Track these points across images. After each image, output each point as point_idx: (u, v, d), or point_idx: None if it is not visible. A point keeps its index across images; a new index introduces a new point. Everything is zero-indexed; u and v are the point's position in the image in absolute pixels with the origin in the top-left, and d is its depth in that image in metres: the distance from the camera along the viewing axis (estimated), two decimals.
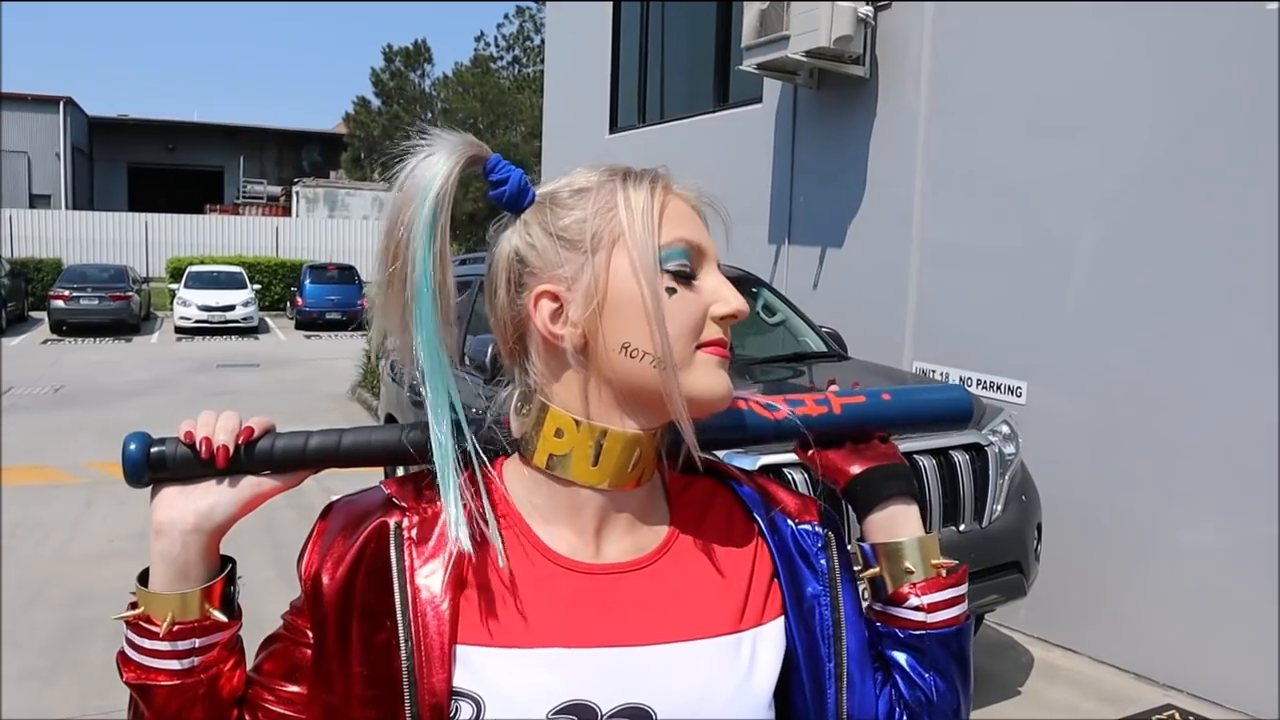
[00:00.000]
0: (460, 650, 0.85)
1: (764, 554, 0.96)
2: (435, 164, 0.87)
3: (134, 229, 32.06)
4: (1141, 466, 4.62)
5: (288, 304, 26.97)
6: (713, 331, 0.88)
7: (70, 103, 38.59)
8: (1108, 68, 4.80)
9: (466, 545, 0.84)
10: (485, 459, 0.89)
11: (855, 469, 1.01)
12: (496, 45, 44.54)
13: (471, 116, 40.73)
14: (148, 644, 0.91)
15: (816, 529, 0.98)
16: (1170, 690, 4.47)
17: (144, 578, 0.93)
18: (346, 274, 25.13)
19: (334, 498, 0.98)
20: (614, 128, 9.60)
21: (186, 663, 0.91)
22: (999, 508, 3.97)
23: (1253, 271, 4.22)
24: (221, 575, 0.94)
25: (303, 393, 14.76)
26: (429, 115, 42.28)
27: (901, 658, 0.99)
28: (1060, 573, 4.80)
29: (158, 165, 44.82)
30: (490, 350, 4.56)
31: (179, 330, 22.24)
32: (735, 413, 0.97)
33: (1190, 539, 4.43)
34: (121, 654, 0.92)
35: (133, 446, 0.93)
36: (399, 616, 0.85)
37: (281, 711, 0.93)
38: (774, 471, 3.22)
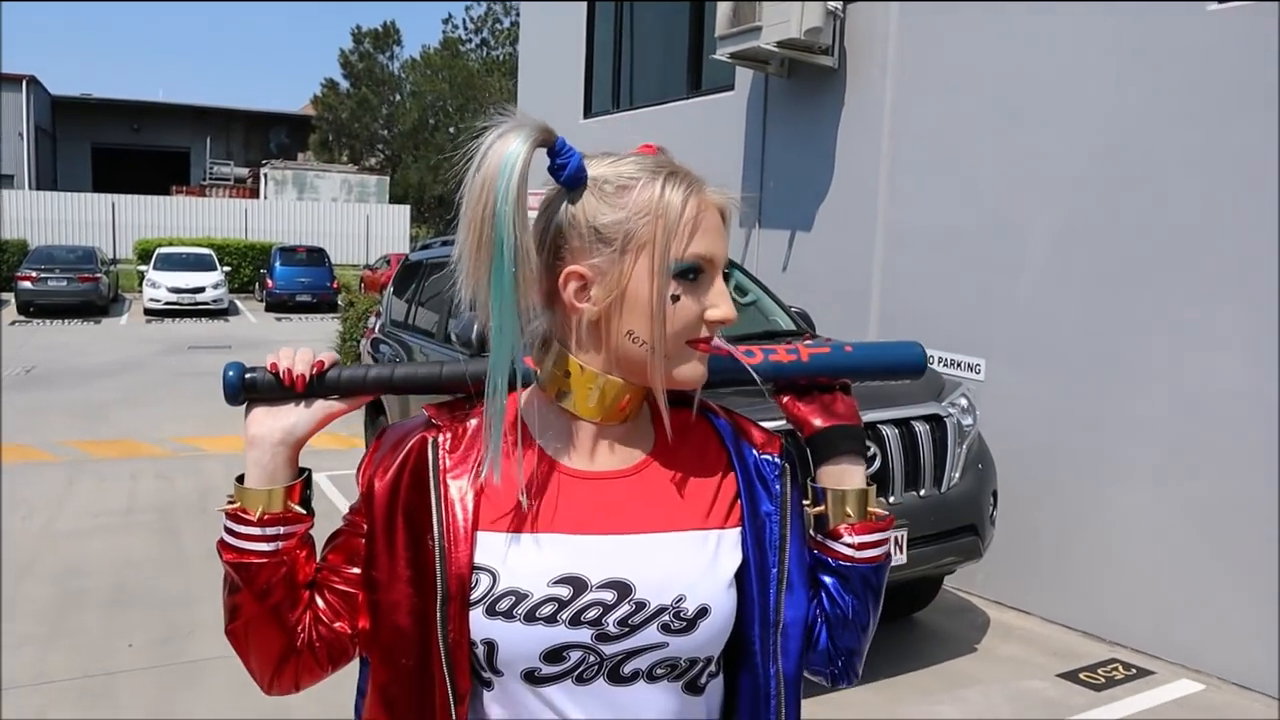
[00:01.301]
0: (480, 535, 1.06)
1: (730, 476, 1.16)
2: (513, 141, 1.00)
3: (100, 210, 31.73)
4: (1090, 438, 4.91)
5: (257, 286, 26.89)
6: (704, 331, 1.07)
7: (33, 81, 38.03)
8: (1063, 62, 5.07)
9: (496, 479, 1.07)
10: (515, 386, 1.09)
11: (819, 423, 1.20)
12: (465, 28, 44.39)
13: (440, 99, 40.61)
14: (244, 530, 1.12)
15: (775, 459, 1.18)
16: (1115, 645, 4.78)
17: (241, 479, 1.15)
18: (317, 256, 25.06)
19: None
20: (588, 112, 9.76)
21: (273, 546, 1.12)
22: (957, 475, 4.24)
23: (1197, 256, 4.50)
24: (300, 479, 1.16)
25: None
26: (397, 98, 42.09)
27: (829, 580, 1.20)
28: (1014, 539, 5.09)
29: (122, 146, 44.30)
30: (476, 329, 4.77)
31: (148, 312, 22.12)
32: (716, 359, 1.15)
33: (1132, 505, 4.73)
34: (221, 541, 1.13)
35: (230, 373, 1.15)
36: (433, 509, 1.07)
37: (343, 589, 1.14)
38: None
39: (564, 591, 1.05)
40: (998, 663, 4.59)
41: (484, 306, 1.01)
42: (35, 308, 20.91)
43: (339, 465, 8.81)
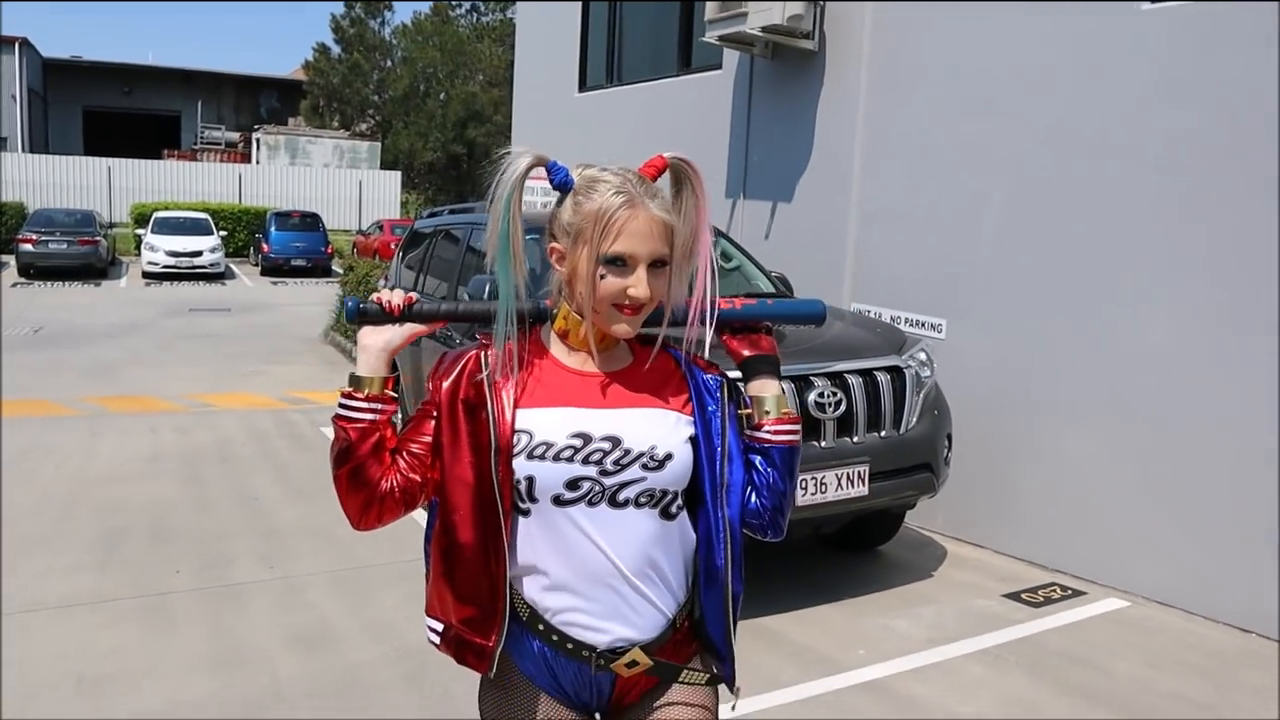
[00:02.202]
0: (519, 411, 1.63)
1: (685, 387, 1.73)
2: (516, 161, 1.58)
3: (96, 173, 31.91)
4: (1038, 390, 5.49)
5: (252, 250, 27.19)
6: (626, 301, 1.58)
7: (25, 43, 37.94)
8: (1017, 54, 5.59)
9: (499, 374, 1.64)
10: (538, 320, 1.70)
11: (746, 353, 1.76)
12: None
13: (431, 65, 40.67)
14: (354, 403, 1.65)
15: (716, 378, 1.75)
16: (1056, 572, 5.38)
17: (351, 378, 1.70)
18: (311, 221, 25.36)
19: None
20: (583, 86, 10.21)
21: (372, 416, 1.66)
22: (914, 419, 4.81)
23: (1131, 230, 5.06)
24: (391, 376, 1.70)
25: (276, 336, 15.23)
26: (388, 63, 42.16)
27: (757, 459, 1.74)
28: (971, 481, 5.67)
29: (113, 109, 44.18)
30: (487, 288, 5.29)
31: (146, 275, 22.45)
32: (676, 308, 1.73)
33: (1074, 449, 5.32)
34: (336, 415, 1.67)
35: (349, 303, 1.70)
36: (486, 395, 1.64)
37: (417, 451, 1.69)
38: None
39: (577, 441, 1.62)
40: (951, 586, 5.19)
41: (490, 264, 1.61)
42: (36, 270, 21.25)
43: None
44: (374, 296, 1.70)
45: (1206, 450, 4.76)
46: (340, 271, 25.94)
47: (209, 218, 24.75)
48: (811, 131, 6.94)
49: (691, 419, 1.71)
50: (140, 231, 24.12)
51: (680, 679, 1.74)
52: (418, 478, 1.68)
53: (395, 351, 1.70)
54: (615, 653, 1.67)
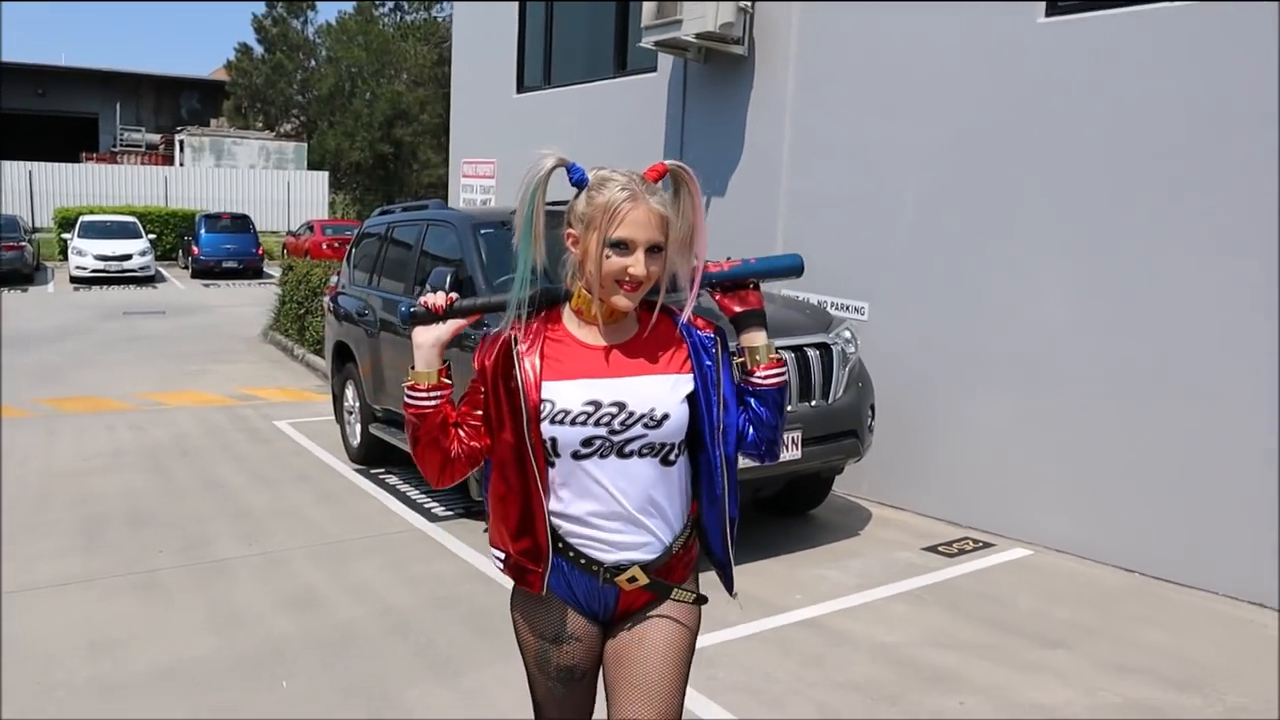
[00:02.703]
0: (544, 383, 1.96)
1: (684, 347, 2.05)
2: (541, 164, 1.90)
3: (17, 178, 31.21)
4: (949, 365, 6.09)
5: (180, 253, 26.96)
6: (625, 278, 1.90)
7: None
8: (928, 58, 6.18)
9: (506, 330, 2.00)
10: (548, 298, 2.05)
11: (736, 309, 2.09)
12: None
13: (356, 65, 40.42)
14: (417, 394, 2.02)
15: (711, 335, 2.06)
16: (969, 528, 5.99)
17: (412, 367, 2.04)
18: (241, 223, 25.25)
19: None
20: (520, 88, 10.61)
21: (434, 402, 2.02)
22: (840, 390, 5.37)
23: (1031, 218, 5.67)
24: (443, 366, 2.04)
25: (215, 336, 15.32)
26: (312, 63, 41.86)
27: (751, 401, 2.08)
28: (891, 451, 6.26)
29: (27, 111, 43.08)
30: (448, 281, 5.70)
31: (75, 280, 22.18)
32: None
33: (983, 418, 5.93)
34: (405, 403, 2.03)
35: (402, 309, 2.08)
36: (515, 373, 1.97)
37: (474, 424, 2.05)
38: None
39: (590, 408, 1.97)
40: (876, 543, 5.76)
41: (516, 249, 1.97)
42: None
43: (297, 414, 9.68)
44: (420, 300, 2.05)
45: (1097, 415, 5.40)
46: (273, 274, 25.91)
47: (137, 221, 24.52)
48: (743, 130, 7.47)
49: (690, 375, 2.05)
50: (66, 236, 23.79)
51: (672, 596, 2.08)
52: (477, 444, 2.08)
53: (444, 345, 2.06)
54: (619, 569, 2.03)
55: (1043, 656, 4.24)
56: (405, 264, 6.90)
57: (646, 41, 7.61)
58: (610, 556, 2.03)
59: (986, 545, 5.71)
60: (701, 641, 4.13)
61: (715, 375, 2.06)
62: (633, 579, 2.04)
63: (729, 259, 2.14)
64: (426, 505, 6.43)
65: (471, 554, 5.46)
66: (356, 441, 7.59)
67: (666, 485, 2.05)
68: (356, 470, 7.36)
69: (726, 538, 2.12)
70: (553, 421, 1.98)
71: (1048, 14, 5.55)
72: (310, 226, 27.05)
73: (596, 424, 1.98)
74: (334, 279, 8.90)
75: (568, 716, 2.19)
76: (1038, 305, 5.66)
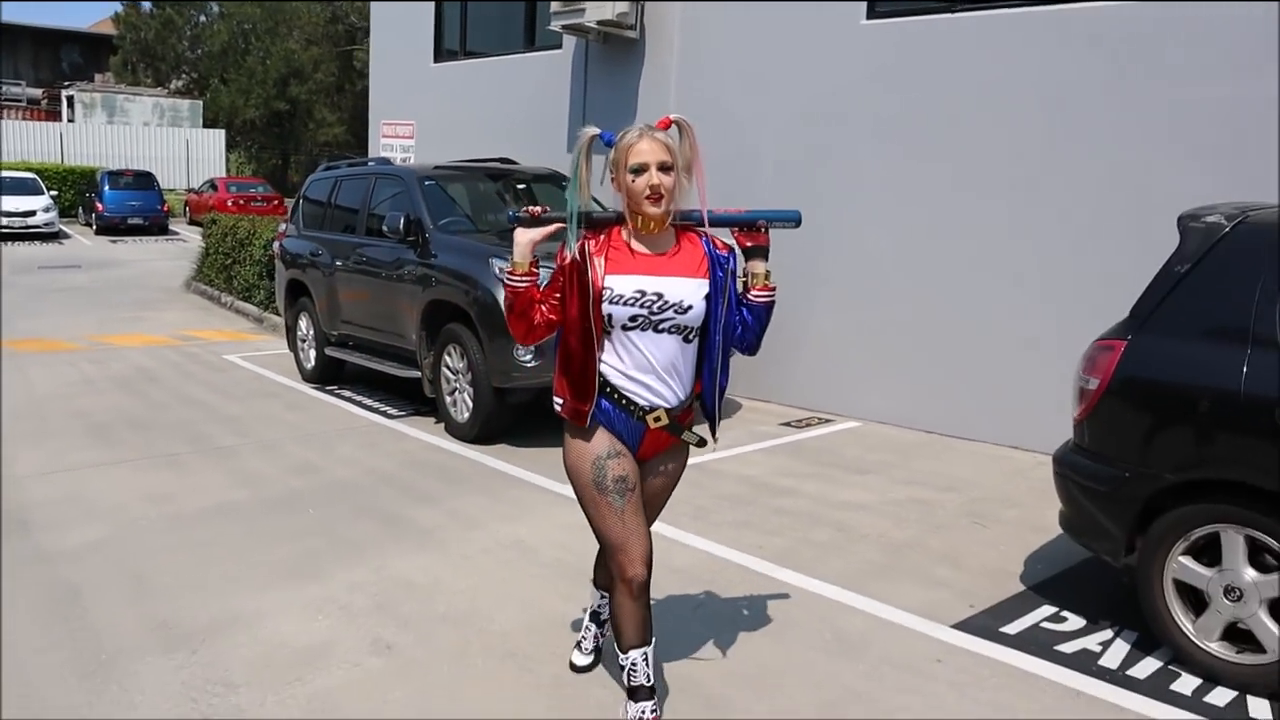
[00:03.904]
0: (607, 277, 2.77)
1: (706, 261, 2.84)
2: (584, 133, 2.79)
3: None
4: (803, 288, 7.74)
5: (81, 210, 27.09)
6: (647, 191, 2.68)
7: None
8: (780, 48, 7.78)
9: (569, 250, 2.84)
10: (590, 223, 2.90)
11: (748, 244, 2.90)
12: None
13: (249, 21, 40.29)
14: (514, 279, 2.85)
15: (725, 254, 2.86)
16: (816, 411, 7.74)
17: (511, 263, 2.90)
18: (145, 180, 25.49)
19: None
20: (438, 58, 11.86)
21: (525, 284, 2.85)
22: None
23: (860, 170, 7.36)
24: (533, 259, 2.87)
25: (139, 288, 16.02)
26: (203, 19, 41.47)
27: (744, 310, 2.90)
28: (760, 357, 7.90)
29: None
30: (402, 221, 7.07)
31: None
32: (714, 215, 3.06)
33: (826, 327, 7.64)
34: (504, 285, 2.90)
35: (510, 214, 3.54)
36: (587, 268, 2.78)
37: (554, 301, 2.87)
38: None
39: (637, 294, 2.72)
40: (745, 422, 7.46)
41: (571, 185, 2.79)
42: None
43: (241, 350, 10.83)
44: (523, 210, 2.86)
45: (906, 321, 7.16)
46: (179, 231, 26.26)
47: (37, 177, 24.59)
48: (635, 102, 8.99)
49: (708, 281, 2.81)
50: None
51: (681, 436, 2.90)
52: (554, 317, 2.87)
53: (535, 244, 2.82)
54: (649, 410, 2.82)
55: (855, 479, 5.99)
56: (358, 210, 8.23)
57: (554, 25, 9.03)
58: (643, 400, 2.83)
59: (827, 420, 7.48)
60: None
61: (725, 284, 2.85)
62: (658, 419, 2.84)
63: (743, 207, 3.02)
64: (381, 408, 7.82)
65: (429, 437, 6.90)
66: (311, 364, 8.88)
67: (684, 357, 2.85)
68: (313, 388, 8.66)
69: (716, 399, 2.97)
70: (610, 303, 2.75)
71: (869, 16, 7.22)
72: (213, 184, 27.46)
73: (640, 306, 2.75)
74: (282, 226, 10.11)
75: (630, 527, 2.83)
76: (862, 242, 7.37)
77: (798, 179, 7.74)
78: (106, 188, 24.60)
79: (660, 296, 2.74)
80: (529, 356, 6.26)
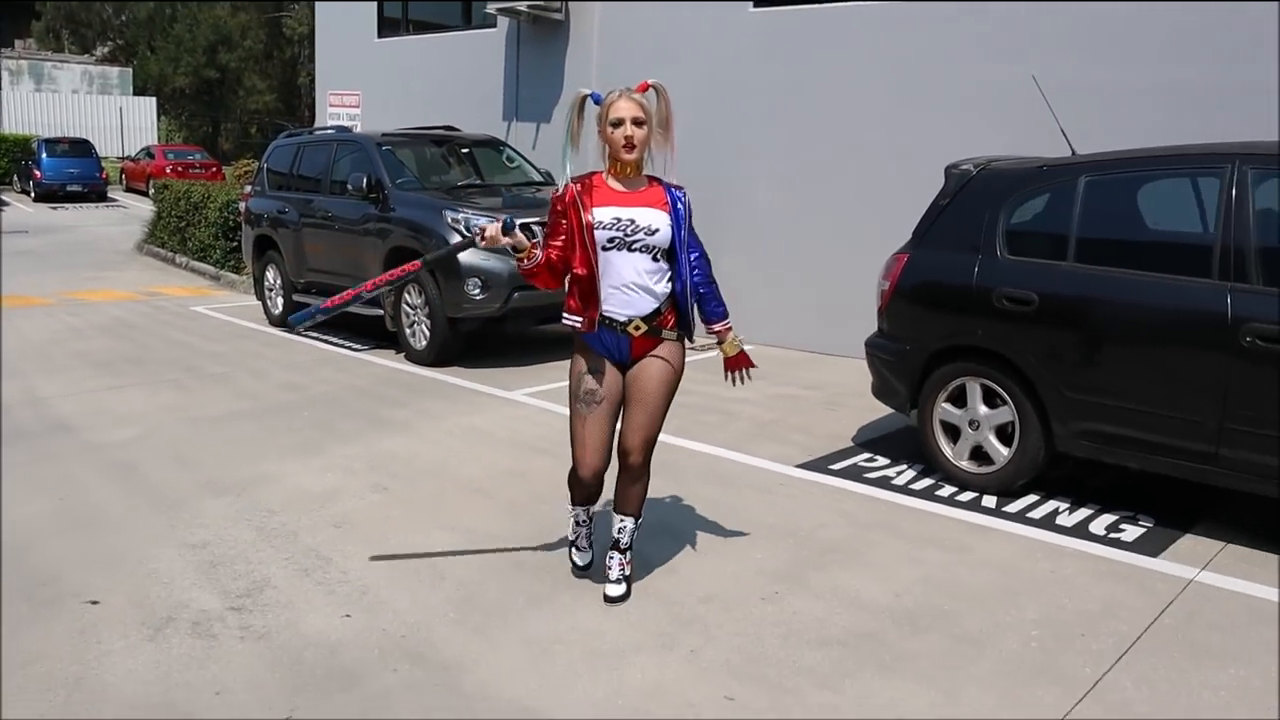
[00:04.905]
0: (594, 209, 3.48)
1: (668, 200, 3.55)
2: (577, 96, 3.54)
3: None
4: (706, 235, 9.14)
5: (17, 178, 27.42)
6: (622, 140, 3.41)
7: None
8: (685, 30, 9.13)
9: (560, 189, 3.69)
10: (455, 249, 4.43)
11: (717, 337, 3.88)
12: None
13: None
14: (526, 263, 3.58)
15: (681, 193, 3.60)
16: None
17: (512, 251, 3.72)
18: (82, 147, 25.95)
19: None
20: (381, 34, 12.97)
21: (536, 260, 3.55)
22: None
23: (749, 133, 8.77)
24: (532, 242, 3.61)
25: (91, 251, 16.86)
26: None
27: (702, 296, 3.71)
28: None
29: None
30: (364, 180, 8.32)
31: None
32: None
33: (728, 267, 9.03)
34: (522, 270, 3.64)
35: (507, 220, 4.16)
36: (578, 205, 3.50)
37: (559, 243, 3.57)
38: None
39: (614, 220, 3.44)
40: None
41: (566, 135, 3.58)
42: None
43: (207, 303, 11.92)
44: (513, 221, 3.60)
45: (788, 261, 8.61)
46: (117, 198, 26.78)
47: None
48: (562, 75, 10.30)
49: (669, 213, 3.47)
50: None
51: (661, 336, 3.49)
52: (559, 258, 3.49)
53: (517, 240, 3.46)
54: (628, 322, 3.44)
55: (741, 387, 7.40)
56: (323, 172, 9.42)
57: (490, 8, 10.27)
58: (621, 315, 3.46)
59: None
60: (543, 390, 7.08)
61: (684, 215, 3.55)
62: (637, 327, 3.46)
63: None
64: (347, 344, 9.05)
65: (392, 364, 8.19)
66: (279, 311, 10.08)
67: (654, 272, 3.48)
68: (283, 330, 9.85)
69: (689, 305, 3.59)
70: (595, 229, 3.39)
71: (756, 5, 8.62)
72: (150, 152, 27.93)
73: (615, 230, 3.41)
74: (247, 189, 11.23)
75: (588, 432, 3.53)
76: (754, 195, 8.81)
77: (702, 144, 9.11)
78: (44, 155, 25.00)
79: (633, 222, 3.43)
80: (477, 291, 7.58)
